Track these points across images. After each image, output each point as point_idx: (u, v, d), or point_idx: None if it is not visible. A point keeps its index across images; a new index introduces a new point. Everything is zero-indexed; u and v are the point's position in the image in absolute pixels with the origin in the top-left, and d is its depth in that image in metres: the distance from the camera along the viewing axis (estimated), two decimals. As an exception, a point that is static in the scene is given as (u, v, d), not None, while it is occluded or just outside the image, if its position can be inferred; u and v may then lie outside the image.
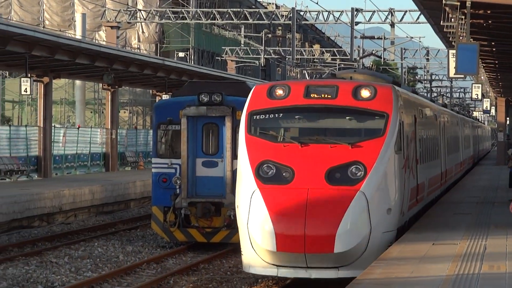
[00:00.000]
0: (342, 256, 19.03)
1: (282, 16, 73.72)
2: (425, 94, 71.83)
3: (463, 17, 26.82)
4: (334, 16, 68.14)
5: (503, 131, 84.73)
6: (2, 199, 40.18)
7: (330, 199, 19.37)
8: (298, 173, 20.08)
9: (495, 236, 27.42)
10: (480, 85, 78.75)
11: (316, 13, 68.88)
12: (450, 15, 27.13)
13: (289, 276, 19.96)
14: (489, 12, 28.60)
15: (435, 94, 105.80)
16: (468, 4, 26.39)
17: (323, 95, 21.78)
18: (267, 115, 21.85)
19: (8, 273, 28.30)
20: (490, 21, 30.53)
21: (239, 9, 74.50)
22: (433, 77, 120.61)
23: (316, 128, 21.61)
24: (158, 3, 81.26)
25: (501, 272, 20.17)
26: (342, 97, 21.55)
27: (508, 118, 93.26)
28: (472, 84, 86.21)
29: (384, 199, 20.29)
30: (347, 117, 21.54)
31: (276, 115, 21.86)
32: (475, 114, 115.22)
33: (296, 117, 22.00)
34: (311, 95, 21.83)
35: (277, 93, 22.05)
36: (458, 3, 26.43)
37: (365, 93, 21.44)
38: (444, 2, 26.60)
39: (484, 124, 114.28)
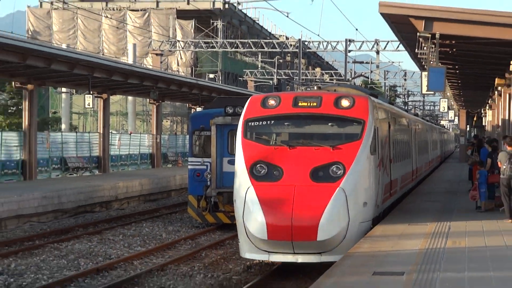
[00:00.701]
0: (324, 243, 18.87)
1: (291, 45, 73.67)
2: (402, 106, 71.71)
3: (433, 46, 26.79)
4: (331, 45, 68.09)
5: (464, 136, 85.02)
6: (70, 190, 40.21)
7: (314, 194, 19.14)
8: (286, 172, 19.87)
9: (457, 219, 27.40)
10: (446, 100, 78.83)
11: (318, 43, 68.94)
12: (423, 45, 27.08)
13: (278, 261, 19.91)
14: (453, 42, 28.60)
15: (411, 107, 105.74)
16: (437, 36, 26.39)
17: (308, 104, 21.53)
18: (260, 122, 21.60)
19: (75, 248, 28.37)
20: (454, 49, 30.50)
21: (257, 40, 74.43)
22: (409, 93, 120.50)
23: (302, 133, 21.45)
24: (193, 35, 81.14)
25: (462, 247, 20.37)
26: (325, 106, 21.27)
27: (468, 126, 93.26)
28: (440, 99, 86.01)
29: (361, 194, 20.07)
30: (329, 123, 21.33)
31: (268, 122, 21.62)
32: (442, 122, 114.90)
33: (285, 123, 21.74)
34: (299, 104, 21.55)
35: (269, 103, 21.77)
36: (429, 35, 26.42)
37: (345, 102, 21.22)
38: (418, 34, 26.59)
39: (449, 130, 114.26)
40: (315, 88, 40.01)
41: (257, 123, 21.52)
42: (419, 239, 21.80)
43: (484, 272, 16.78)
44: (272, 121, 21.65)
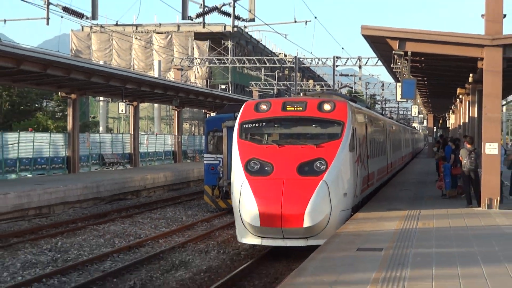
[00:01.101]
0: (310, 229, 18.54)
1: (288, 61, 73.45)
2: (379, 111, 71.60)
3: (405, 61, 26.74)
4: (322, 61, 67.84)
5: (431, 135, 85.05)
6: (107, 181, 40.23)
7: (300, 187, 18.74)
8: (276, 167, 19.48)
9: (426, 205, 27.40)
10: (417, 106, 78.86)
11: (310, 59, 68.85)
12: (397, 60, 27.01)
13: (270, 245, 19.51)
14: (422, 58, 28.54)
15: (387, 112, 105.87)
16: (409, 53, 26.33)
17: (295, 108, 21.19)
18: (254, 124, 21.31)
19: (110, 229, 28.40)
20: (423, 64, 30.46)
21: (260, 57, 74.32)
22: (386, 100, 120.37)
23: (290, 133, 21.18)
24: (207, 53, 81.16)
25: (430, 227, 20.47)
26: (310, 110, 21.04)
27: (434, 127, 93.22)
28: (412, 105, 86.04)
29: (341, 186, 19.73)
30: (313, 125, 21.07)
31: (260, 124, 21.36)
32: (413, 124, 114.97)
33: (275, 125, 21.43)
34: (287, 109, 21.27)
35: (261, 108, 21.48)
36: (403, 53, 26.37)
37: (326, 106, 20.94)
38: (393, 52, 26.55)
39: (419, 131, 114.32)
40: (301, 94, 39.98)
41: (251, 125, 21.26)
42: (395, 221, 21.83)
43: (448, 248, 16.91)
44: (264, 123, 21.41)
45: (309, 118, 20.91)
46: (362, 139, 24.25)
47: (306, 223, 18.22)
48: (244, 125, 21.14)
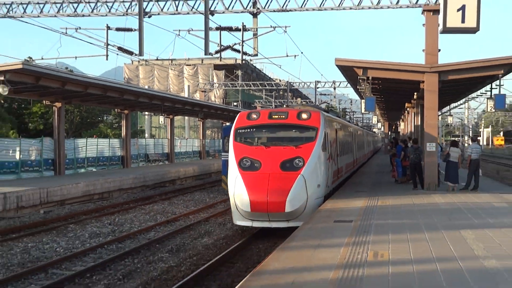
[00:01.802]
0: (290, 213, 17.93)
1: (282, 85, 73.64)
2: (348, 120, 71.40)
3: (367, 84, 26.72)
4: (307, 84, 67.89)
5: (387, 138, 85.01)
6: (151, 173, 40.22)
7: (282, 179, 18.09)
8: (263, 164, 18.73)
9: (384, 188, 27.40)
10: (376, 116, 78.77)
11: (298, 83, 68.83)
12: (361, 83, 26.95)
13: (259, 226, 18.82)
14: (380, 81, 28.52)
15: (354, 120, 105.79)
16: (370, 78, 26.33)
17: (279, 117, 20.60)
18: (246, 130, 20.56)
19: (154, 208, 28.38)
20: (380, 85, 30.40)
21: (262, 82, 74.48)
22: (354, 112, 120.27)
23: (274, 137, 20.25)
24: (223, 79, 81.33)
25: (387, 205, 20.44)
26: (290, 118, 20.45)
27: (389, 131, 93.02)
28: (372, 116, 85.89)
29: (315, 179, 19.00)
30: (293, 130, 20.34)
31: (251, 129, 20.62)
32: (374, 130, 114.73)
33: (263, 130, 20.62)
34: (272, 117, 20.70)
35: (252, 117, 20.87)
36: (365, 78, 26.36)
37: (304, 115, 20.43)
38: (358, 77, 26.56)
39: (378, 134, 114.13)
40: (284, 106, 39.63)
41: (244, 130, 20.51)
42: (361, 200, 21.80)
43: (400, 220, 16.96)
44: (254, 129, 20.61)
45: (290, 124, 20.29)
46: (333, 141, 23.50)
47: (287, 208, 17.67)
48: (238, 130, 20.48)
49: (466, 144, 68.43)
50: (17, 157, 36.25)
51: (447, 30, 6.03)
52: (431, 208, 19.78)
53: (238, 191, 18.30)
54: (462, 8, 6.63)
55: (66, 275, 15.40)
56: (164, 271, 16.01)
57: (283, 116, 20.37)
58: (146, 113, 75.69)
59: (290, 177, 18.08)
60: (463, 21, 6.51)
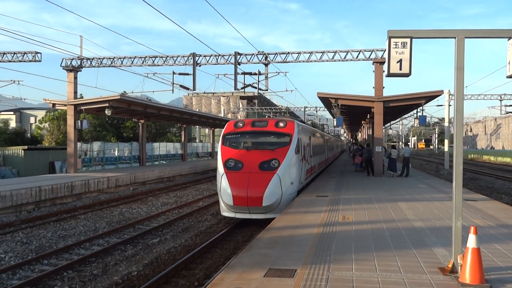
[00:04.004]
0: (267, 207, 14.74)
1: (285, 110, 73.39)
2: (322, 129, 70.24)
3: (338, 108, 26.55)
4: (299, 109, 67.53)
5: (350, 143, 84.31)
6: (200, 164, 40.15)
7: (260, 178, 14.98)
8: (245, 164, 15.48)
9: (348, 175, 27.17)
10: (343, 129, 78.27)
11: (293, 107, 68.40)
12: (334, 108, 26.75)
13: (241, 217, 15.37)
14: (346, 107, 28.33)
15: (330, 131, 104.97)
16: (339, 104, 26.16)
17: (260, 125, 17.33)
18: (232, 136, 17.17)
19: (202, 187, 28.15)
20: (346, 109, 30.23)
21: (270, 107, 74.10)
22: (328, 126, 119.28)
23: (256, 141, 16.83)
24: (245, 105, 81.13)
25: (350, 185, 20.04)
26: (269, 126, 17.21)
27: (351, 139, 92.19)
28: (341, 128, 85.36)
29: (289, 177, 15.67)
30: (271, 136, 16.96)
31: (237, 135, 17.20)
32: (342, 137, 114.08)
33: (246, 136, 17.11)
34: (255, 125, 17.39)
35: (238, 125, 17.53)
36: (337, 104, 26.20)
37: (281, 124, 17.23)
38: (332, 104, 26.40)
39: (344, 141, 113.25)
40: (266, 116, 38.26)
41: (230, 136, 17.16)
42: (333, 182, 21.59)
43: (359, 195, 16.72)
44: (239, 135, 17.17)
45: (269, 131, 17.09)
46: (306, 145, 20.16)
47: (264, 203, 14.65)
48: (226, 136, 17.20)
49: (401, 147, 68.05)
50: (116, 154, 36.42)
51: (390, 75, 5.95)
52: (378, 185, 19.64)
53: (223, 187, 15.17)
54: (400, 61, 6.57)
55: (146, 229, 15.39)
56: (208, 226, 15.98)
57: (264, 124, 17.42)
58: (197, 127, 75.64)
59: (267, 176, 15.09)
60: (400, 69, 6.42)
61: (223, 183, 15.16)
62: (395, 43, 6.97)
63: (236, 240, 13.88)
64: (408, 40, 6.96)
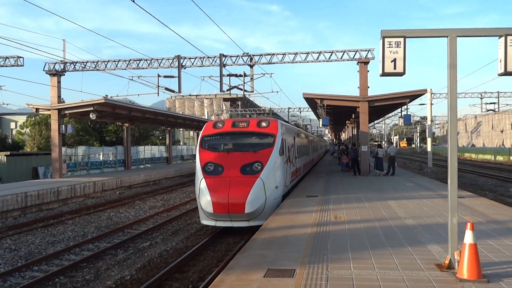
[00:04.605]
0: (250, 214, 13.28)
1: (268, 110, 73.55)
2: (306, 130, 69.26)
3: (323, 108, 26.68)
4: (283, 110, 67.67)
5: (333, 143, 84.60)
6: (185, 167, 39.91)
7: (242, 183, 13.54)
8: (225, 168, 14.05)
9: (334, 175, 27.25)
10: (328, 129, 78.56)
11: (278, 109, 68.41)
12: (319, 108, 26.88)
13: (222, 225, 13.85)
14: (331, 107, 28.48)
15: (314, 132, 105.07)
16: (325, 104, 26.30)
17: (241, 125, 15.78)
18: (211, 137, 15.65)
19: (188, 189, 27.99)
20: (331, 109, 30.38)
21: (254, 108, 74.07)
22: (313, 127, 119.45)
23: (236, 143, 15.38)
24: (229, 107, 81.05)
25: (338, 185, 20.12)
26: (251, 126, 15.72)
27: (335, 139, 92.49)
28: (325, 129, 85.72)
29: (273, 181, 14.23)
30: (253, 137, 15.48)
31: (216, 137, 15.66)
32: (325, 138, 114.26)
33: (227, 137, 15.61)
34: (235, 125, 15.85)
35: (218, 125, 16.04)
36: (322, 105, 26.33)
37: (263, 124, 15.75)
38: (317, 104, 26.53)
39: (327, 141, 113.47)
40: (248, 116, 37.15)
41: (209, 138, 15.67)
42: (320, 182, 21.68)
43: (348, 194, 16.75)
44: (218, 136, 15.68)
45: (250, 132, 15.62)
46: (291, 146, 18.52)
47: (247, 209, 13.17)
48: (204, 138, 15.72)
49: (384, 146, 68.62)
50: (101, 158, 36.05)
51: (384, 74, 5.98)
52: (366, 185, 19.74)
53: (202, 193, 13.68)
54: (394, 60, 6.62)
55: (135, 233, 15.27)
56: (198, 229, 15.89)
57: (245, 125, 15.96)
58: (181, 129, 75.38)
59: (249, 180, 13.68)
60: (394, 68, 6.47)
61: (202, 188, 13.73)
62: (389, 43, 7.03)
63: (227, 242, 13.79)
64: (401, 39, 7.02)
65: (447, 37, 6.96)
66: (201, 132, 16.03)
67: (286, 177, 16.13)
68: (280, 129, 15.82)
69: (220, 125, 16.09)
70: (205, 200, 13.47)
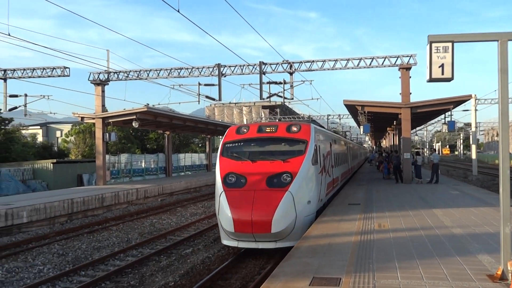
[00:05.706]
0: (277, 234, 11.38)
1: (307, 117, 73.13)
2: (343, 135, 66.29)
3: (364, 115, 26.39)
4: (323, 118, 67.17)
5: (374, 150, 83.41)
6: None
7: (268, 197, 11.64)
8: (249, 180, 12.18)
9: (376, 182, 26.86)
10: (368, 136, 77.66)
11: (318, 116, 67.83)
12: (360, 115, 26.59)
13: (244, 247, 11.96)
14: (372, 114, 28.13)
15: (353, 139, 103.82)
16: (366, 111, 26.01)
17: (268, 130, 13.73)
18: (234, 144, 13.60)
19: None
20: (372, 116, 29.97)
21: (294, 116, 73.91)
22: (353, 134, 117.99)
23: (262, 150, 13.30)
24: (268, 115, 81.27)
25: (380, 193, 19.75)
26: (280, 131, 13.56)
27: (375, 146, 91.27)
28: (365, 135, 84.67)
29: (305, 195, 12.24)
30: (282, 143, 13.33)
31: (239, 143, 13.60)
32: (365, 145, 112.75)
33: (252, 144, 13.53)
34: (262, 130, 13.74)
35: (242, 131, 14.01)
36: (363, 111, 26.05)
37: (293, 128, 13.62)
38: (358, 111, 26.26)
39: (367, 148, 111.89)
40: (277, 120, 34.78)
41: (232, 145, 13.67)
42: (362, 190, 21.35)
43: (392, 202, 16.47)
44: (242, 143, 13.63)
45: (279, 137, 13.54)
46: (326, 154, 16.19)
47: (274, 229, 11.31)
48: (226, 145, 13.76)
49: (426, 154, 67.06)
50: (143, 165, 36.74)
51: (432, 80, 5.87)
52: (409, 192, 19.36)
53: (222, 209, 11.95)
54: (442, 65, 6.49)
55: (178, 240, 15.43)
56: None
57: (273, 129, 13.92)
58: (221, 136, 76.02)
59: (276, 195, 11.78)
60: (442, 74, 6.35)
61: (221, 203, 12.02)
62: (436, 48, 6.90)
63: (268, 250, 13.77)
64: (449, 44, 6.87)
65: (498, 41, 6.78)
66: (222, 138, 14.28)
67: (320, 190, 14.04)
68: (313, 134, 13.87)
69: (245, 130, 14.20)
70: (225, 217, 11.80)
